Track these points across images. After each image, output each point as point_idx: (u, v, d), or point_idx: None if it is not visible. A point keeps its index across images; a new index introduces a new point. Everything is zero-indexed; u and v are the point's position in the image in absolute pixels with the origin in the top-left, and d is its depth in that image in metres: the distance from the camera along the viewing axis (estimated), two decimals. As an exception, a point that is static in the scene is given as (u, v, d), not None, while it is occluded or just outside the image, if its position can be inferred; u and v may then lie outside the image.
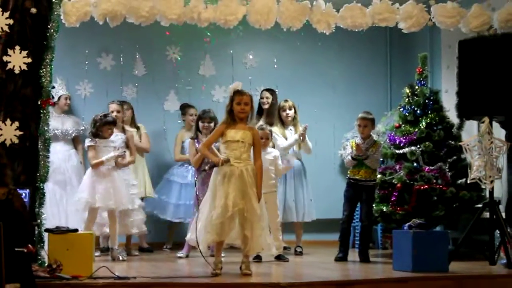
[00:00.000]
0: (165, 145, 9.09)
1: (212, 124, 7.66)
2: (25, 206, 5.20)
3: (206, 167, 6.18)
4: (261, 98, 8.55)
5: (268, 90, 8.58)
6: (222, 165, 5.99)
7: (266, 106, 8.45)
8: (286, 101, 8.23)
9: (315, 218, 8.30)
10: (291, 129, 8.22)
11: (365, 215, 7.35)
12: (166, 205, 8.54)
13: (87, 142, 7.49)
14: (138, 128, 8.51)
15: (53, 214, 7.74)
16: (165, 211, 8.52)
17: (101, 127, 7.44)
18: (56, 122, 8.22)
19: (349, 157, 7.39)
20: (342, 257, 7.26)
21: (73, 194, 7.90)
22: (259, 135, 6.31)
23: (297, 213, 8.13)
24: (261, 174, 6.13)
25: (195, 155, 7.58)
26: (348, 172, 7.48)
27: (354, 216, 7.65)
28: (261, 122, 8.26)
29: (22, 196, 5.30)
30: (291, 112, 8.18)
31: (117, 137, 7.80)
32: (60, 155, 8.20)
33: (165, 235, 8.74)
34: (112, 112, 7.98)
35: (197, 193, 7.24)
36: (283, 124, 8.21)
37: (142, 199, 8.29)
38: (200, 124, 7.69)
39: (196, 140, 7.72)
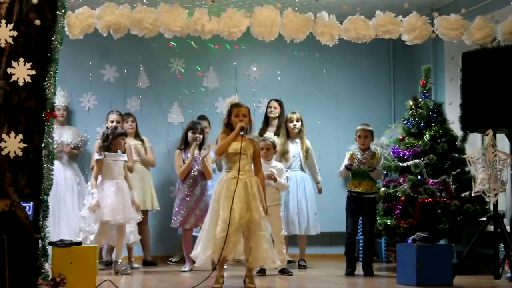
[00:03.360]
0: (168, 157, 9.07)
1: (202, 136, 7.66)
2: (28, 218, 5.17)
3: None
4: (269, 107, 8.51)
5: (276, 100, 8.54)
6: (243, 130, 6.00)
7: (273, 115, 8.42)
8: (293, 112, 8.20)
9: (319, 232, 8.27)
10: (296, 142, 8.20)
11: (368, 228, 7.32)
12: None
13: (96, 156, 7.46)
14: (142, 141, 8.44)
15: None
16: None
17: (114, 140, 7.43)
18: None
19: (343, 167, 7.37)
20: (351, 272, 7.24)
21: (65, 206, 7.83)
22: (259, 147, 6.28)
23: (300, 226, 8.09)
24: (264, 187, 6.13)
25: (181, 166, 7.60)
26: (348, 185, 7.46)
27: (357, 229, 7.62)
28: (268, 134, 8.24)
29: (26, 209, 5.27)
30: (298, 124, 8.15)
31: None
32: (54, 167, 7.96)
33: (171, 248, 8.71)
34: (112, 122, 7.97)
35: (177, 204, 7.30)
36: (289, 136, 8.20)
37: (146, 211, 8.25)
38: (190, 134, 7.67)
39: (183, 151, 7.71)
